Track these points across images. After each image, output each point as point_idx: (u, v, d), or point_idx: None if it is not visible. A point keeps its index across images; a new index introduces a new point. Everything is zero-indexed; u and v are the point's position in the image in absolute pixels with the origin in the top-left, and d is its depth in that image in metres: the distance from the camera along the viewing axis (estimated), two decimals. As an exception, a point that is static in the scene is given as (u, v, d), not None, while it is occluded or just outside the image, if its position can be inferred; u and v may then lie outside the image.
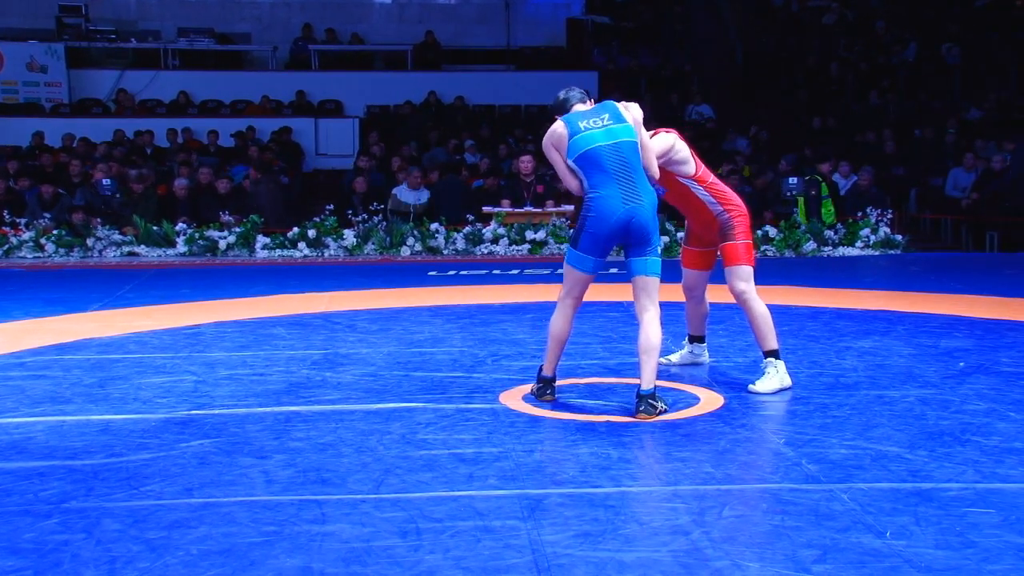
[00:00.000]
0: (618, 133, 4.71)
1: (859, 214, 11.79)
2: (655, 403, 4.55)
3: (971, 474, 3.69)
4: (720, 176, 13.20)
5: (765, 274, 9.77)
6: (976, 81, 16.73)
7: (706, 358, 5.71)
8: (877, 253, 11.39)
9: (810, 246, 11.44)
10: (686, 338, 5.73)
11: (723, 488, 3.61)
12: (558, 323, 4.80)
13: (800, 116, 16.21)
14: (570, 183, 4.79)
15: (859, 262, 10.93)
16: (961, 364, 5.53)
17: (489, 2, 19.02)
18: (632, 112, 4.83)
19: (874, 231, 11.58)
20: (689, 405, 4.79)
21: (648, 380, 4.55)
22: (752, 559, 2.98)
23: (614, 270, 10.13)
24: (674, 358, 5.71)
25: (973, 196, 12.85)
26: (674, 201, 5.37)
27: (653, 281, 4.64)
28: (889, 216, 11.77)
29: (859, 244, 11.52)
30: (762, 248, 11.44)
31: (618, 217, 4.57)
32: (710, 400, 4.87)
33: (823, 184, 12.19)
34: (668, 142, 5.13)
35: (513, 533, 3.17)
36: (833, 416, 4.55)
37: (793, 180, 13.09)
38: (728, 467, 3.87)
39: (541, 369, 4.88)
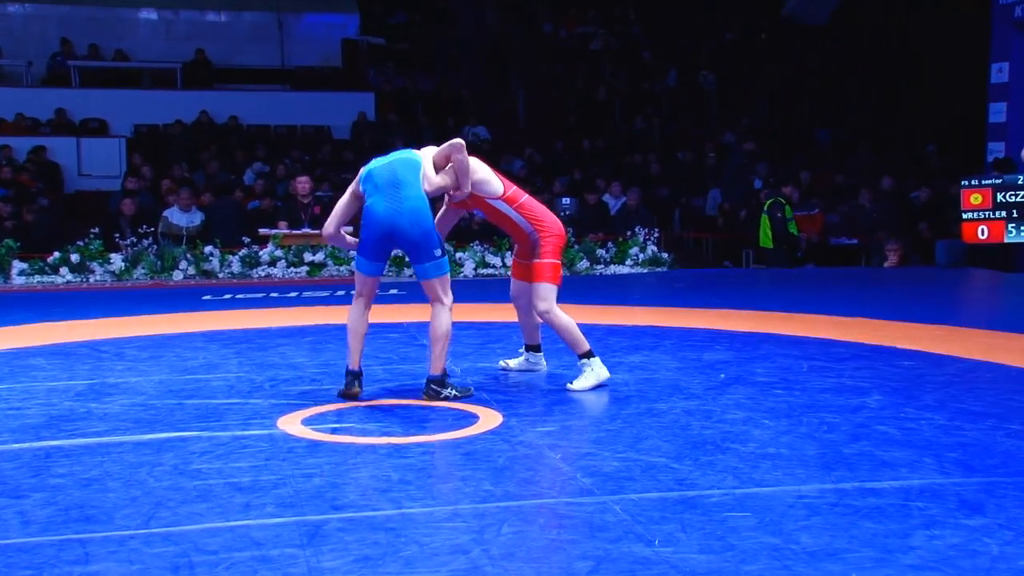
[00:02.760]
0: (397, 155, 5.28)
1: (628, 233, 12.29)
2: (439, 388, 5.21)
3: (731, 480, 3.91)
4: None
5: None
6: (730, 107, 17.78)
7: (543, 366, 6.04)
8: (645, 271, 11.89)
9: (583, 265, 11.82)
10: (522, 347, 6.02)
11: (502, 505, 3.66)
12: (352, 317, 5.29)
13: (571, 139, 16.75)
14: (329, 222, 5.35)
15: (629, 280, 11.38)
16: (722, 376, 5.85)
17: (261, 21, 18.69)
18: (425, 150, 5.40)
19: (642, 250, 12.08)
20: (468, 424, 4.84)
21: (434, 366, 5.22)
22: (530, 574, 3.04)
23: (394, 291, 10.15)
24: (512, 363, 6.04)
25: (720, 220, 13.67)
26: (493, 221, 5.72)
27: (430, 283, 5.21)
28: (656, 235, 12.33)
29: (629, 262, 12.00)
30: (538, 267, 11.72)
31: (379, 221, 5.09)
32: (488, 418, 4.94)
33: (787, 206, 12.58)
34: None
35: (292, 561, 3.12)
36: (607, 430, 4.71)
37: (567, 201, 13.52)
38: (507, 484, 3.93)
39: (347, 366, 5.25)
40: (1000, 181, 11.46)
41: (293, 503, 3.68)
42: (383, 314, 8.51)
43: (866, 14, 18.05)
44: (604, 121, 17.51)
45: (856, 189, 13.77)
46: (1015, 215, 11.28)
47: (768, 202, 12.60)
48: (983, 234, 11.47)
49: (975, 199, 11.49)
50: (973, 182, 11.63)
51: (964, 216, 11.53)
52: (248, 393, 5.50)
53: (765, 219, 12.56)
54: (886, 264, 12.16)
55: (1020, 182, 11.32)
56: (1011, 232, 11.32)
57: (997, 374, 5.93)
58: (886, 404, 5.13)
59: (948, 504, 3.61)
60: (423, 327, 7.71)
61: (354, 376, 5.25)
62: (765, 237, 12.54)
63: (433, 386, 5.21)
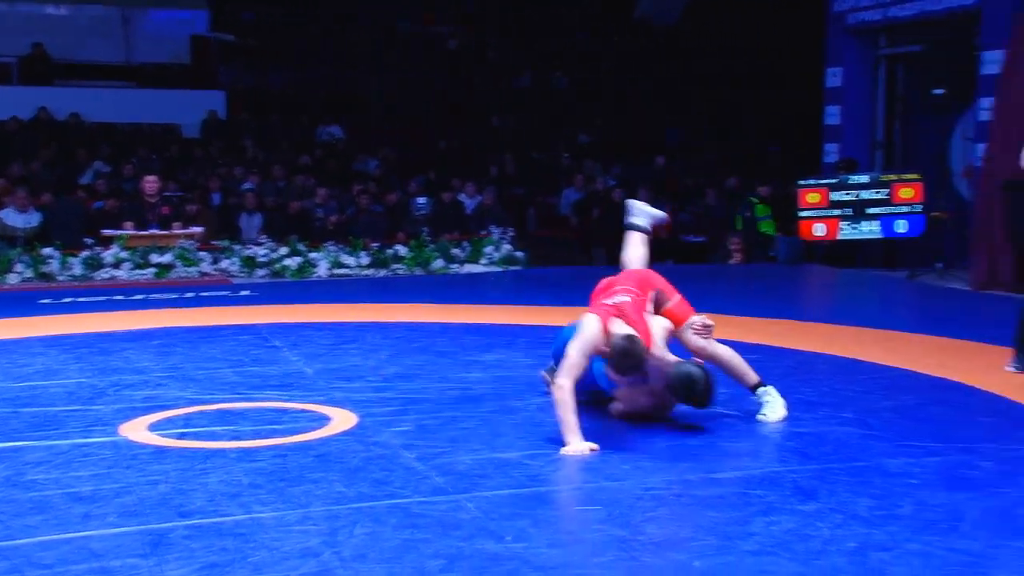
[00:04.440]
0: None
1: (483, 232, 12.35)
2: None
3: (581, 475, 3.98)
4: (354, 197, 13.21)
5: (397, 292, 10.02)
6: (584, 108, 18.06)
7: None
8: (500, 269, 11.98)
9: (439, 264, 11.83)
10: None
11: (355, 507, 3.64)
12: None
13: (427, 138, 16.73)
14: None
15: (484, 278, 11.44)
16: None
17: (104, 15, 18.00)
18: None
19: (497, 248, 12.16)
20: (321, 426, 4.79)
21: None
22: (381, 574, 3.04)
23: (245, 292, 9.95)
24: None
25: (573, 219, 13.89)
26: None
27: None
28: (511, 234, 12.43)
29: (484, 261, 12.06)
30: (393, 267, 11.70)
31: None
32: (342, 419, 4.90)
33: (758, 205, 12.66)
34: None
35: (134, 572, 3.03)
36: (462, 428, 4.72)
37: (422, 200, 13.50)
38: (360, 485, 3.91)
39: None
40: (835, 181, 11.99)
41: (137, 512, 3.57)
42: (234, 315, 8.35)
43: (714, 16, 18.59)
44: (459, 120, 17.55)
45: (703, 188, 14.18)
46: (849, 213, 11.81)
47: (741, 202, 12.84)
48: (819, 231, 11.98)
49: (812, 198, 11.99)
50: (810, 182, 12.13)
51: (801, 214, 12.01)
52: (89, 399, 5.31)
53: (739, 219, 12.77)
54: (731, 261, 12.56)
55: (852, 182, 11.87)
56: (844, 229, 11.86)
57: (832, 365, 6.21)
58: (730, 396, 5.30)
59: (785, 491, 3.77)
60: (275, 328, 7.61)
61: None
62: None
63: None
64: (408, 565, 3.10)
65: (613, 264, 12.87)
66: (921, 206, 11.58)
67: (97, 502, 3.67)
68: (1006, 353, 6.04)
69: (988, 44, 10.97)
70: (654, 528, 3.40)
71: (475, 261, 12.04)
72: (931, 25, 11.94)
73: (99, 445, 4.43)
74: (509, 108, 17.90)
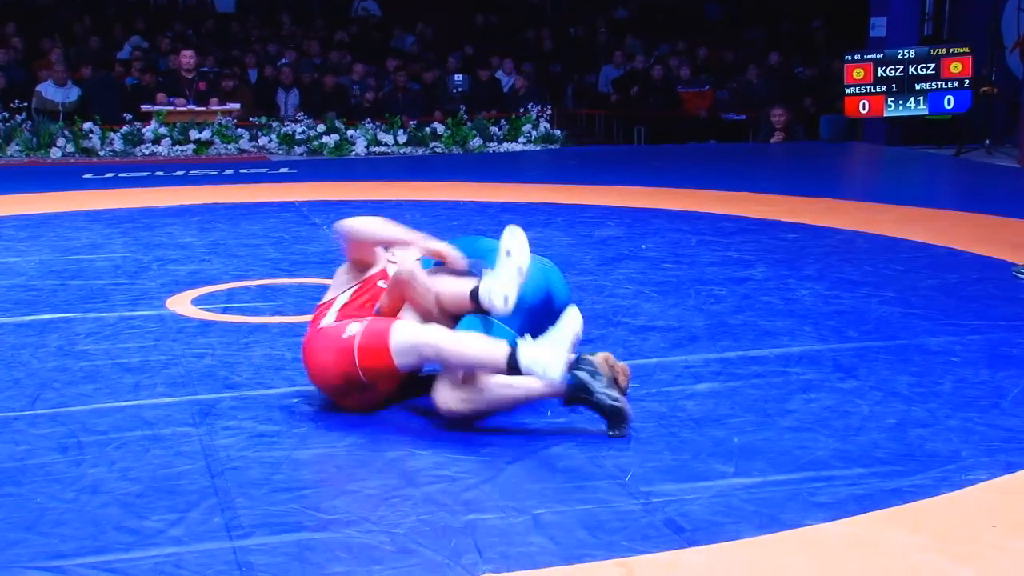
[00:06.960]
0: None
1: (521, 110, 12.21)
2: None
3: (621, 351, 3.98)
4: (390, 74, 12.98)
5: (435, 171, 9.99)
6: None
7: None
8: (538, 148, 11.87)
9: (476, 142, 11.73)
10: None
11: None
12: None
13: (463, 14, 16.40)
14: None
15: (522, 157, 11.36)
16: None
17: None
18: None
19: (535, 127, 12.04)
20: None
21: None
22: (423, 448, 3.10)
23: (284, 170, 9.96)
24: None
25: (614, 96, 13.67)
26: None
27: None
28: (548, 112, 12.27)
29: (522, 140, 11.94)
30: (431, 145, 11.63)
31: None
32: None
33: None
34: None
35: (184, 440, 3.11)
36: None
37: (459, 78, 13.34)
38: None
39: None
40: (881, 56, 11.66)
41: (185, 383, 3.65)
42: (273, 192, 8.37)
43: None
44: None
45: (745, 65, 13.86)
46: (894, 89, 11.53)
47: None
48: (864, 108, 11.71)
49: (857, 74, 11.67)
50: (856, 57, 11.80)
51: (846, 91, 11.73)
52: (135, 274, 5.38)
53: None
54: (773, 140, 12.35)
55: (899, 57, 11.54)
56: (890, 106, 11.59)
57: (873, 244, 6.16)
58: (770, 276, 5.29)
59: (824, 369, 3.77)
60: (314, 206, 7.63)
61: None
62: None
63: None
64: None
65: (652, 142, 12.78)
66: (969, 80, 11.26)
67: (146, 372, 3.75)
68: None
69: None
70: (693, 405, 3.42)
71: (513, 140, 11.93)
72: None
73: (145, 318, 4.51)
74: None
